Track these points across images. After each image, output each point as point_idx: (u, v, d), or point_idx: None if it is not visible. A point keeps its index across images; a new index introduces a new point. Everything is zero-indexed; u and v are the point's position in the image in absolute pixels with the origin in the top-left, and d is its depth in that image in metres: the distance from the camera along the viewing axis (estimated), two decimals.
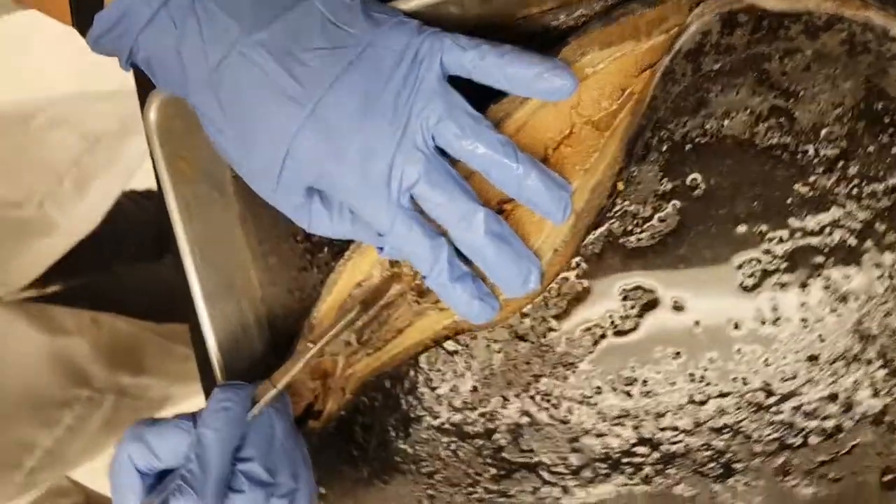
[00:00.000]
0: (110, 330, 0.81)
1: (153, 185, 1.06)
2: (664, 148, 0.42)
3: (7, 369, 0.71)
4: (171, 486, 0.36)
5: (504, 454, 0.48)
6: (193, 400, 0.93)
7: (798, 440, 0.44)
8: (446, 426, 0.49)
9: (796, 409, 0.43)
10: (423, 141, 0.36)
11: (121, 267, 0.95)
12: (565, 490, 0.47)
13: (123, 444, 0.38)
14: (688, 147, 0.42)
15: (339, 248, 0.48)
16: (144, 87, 0.45)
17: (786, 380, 0.43)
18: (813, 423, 0.43)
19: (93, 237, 0.81)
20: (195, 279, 0.44)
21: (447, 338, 0.45)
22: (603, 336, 0.45)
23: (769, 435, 0.44)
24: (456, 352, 0.48)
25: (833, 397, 0.43)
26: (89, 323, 0.79)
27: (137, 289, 0.94)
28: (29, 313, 0.76)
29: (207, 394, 0.54)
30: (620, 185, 0.41)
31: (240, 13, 0.35)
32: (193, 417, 0.39)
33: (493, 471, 0.49)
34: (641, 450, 0.46)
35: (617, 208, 0.43)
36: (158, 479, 0.38)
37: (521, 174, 0.36)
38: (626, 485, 0.46)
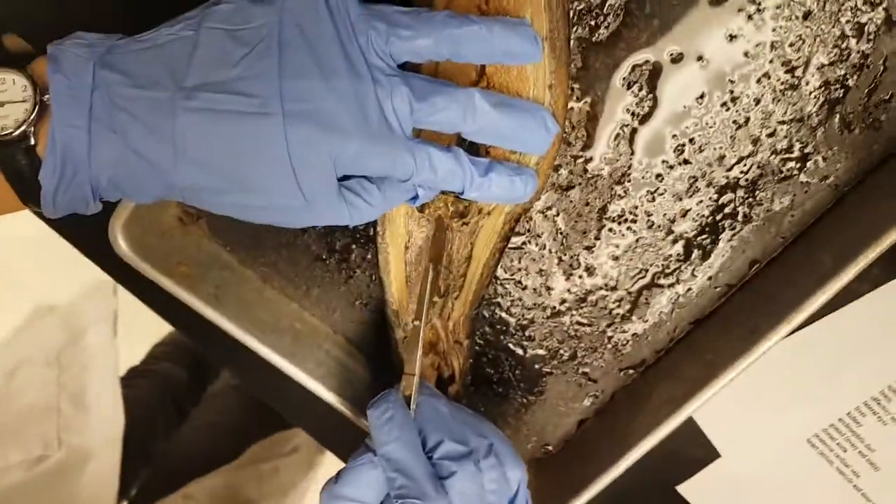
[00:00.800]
0: (203, 493, 0.81)
1: (133, 362, 1.05)
2: None
3: None
4: None
5: (620, 290, 0.48)
6: (310, 497, 0.94)
7: (840, 91, 0.44)
8: (558, 308, 0.48)
9: (821, 66, 0.44)
10: (387, 66, 0.34)
11: (164, 444, 0.95)
12: (686, 281, 0.48)
13: None
14: None
15: (365, 238, 0.46)
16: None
17: (799, 49, 0.43)
18: (843, 69, 0.44)
19: (125, 438, 0.79)
20: (271, 353, 0.42)
21: (511, 231, 0.44)
22: (633, 131, 0.44)
23: (817, 104, 0.44)
24: (524, 243, 0.47)
25: (843, 36, 0.43)
26: (182, 500, 0.78)
27: (192, 447, 0.92)
28: None
29: (338, 452, 0.52)
30: None
31: (157, 80, 0.33)
32: (367, 447, 0.39)
33: (620, 311, 0.48)
34: (726, 198, 0.46)
35: (572, 15, 0.41)
36: None
37: (486, 31, 0.35)
38: (733, 236, 0.47)
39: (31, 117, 0.32)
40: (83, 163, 0.33)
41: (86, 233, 0.46)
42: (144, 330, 1.10)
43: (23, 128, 0.32)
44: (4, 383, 0.79)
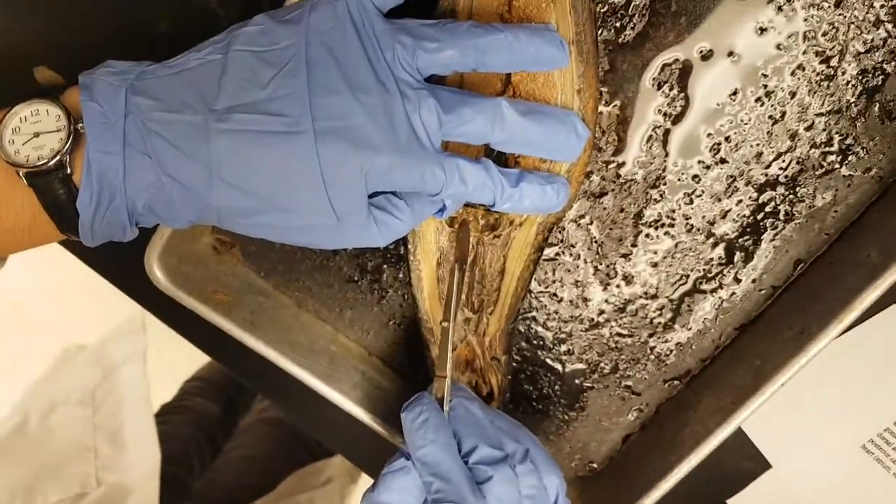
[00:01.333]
0: None
1: (165, 399, 1.06)
2: None
3: None
4: None
5: (661, 298, 0.46)
6: None
7: (878, 78, 0.43)
8: (597, 320, 0.47)
9: (857, 54, 0.42)
10: (414, 79, 0.34)
11: (199, 479, 0.95)
12: (729, 285, 0.46)
13: None
14: None
15: (396, 258, 0.45)
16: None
17: (832, 39, 0.42)
18: (880, 55, 0.42)
19: (161, 474, 0.79)
20: (308, 376, 0.41)
21: (545, 241, 0.42)
22: (666, 133, 0.43)
23: (855, 93, 0.43)
24: (557, 254, 0.45)
25: (878, 22, 0.42)
26: None
27: (227, 480, 0.92)
28: None
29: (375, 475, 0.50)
30: None
31: (189, 103, 0.32)
32: (402, 452, 0.38)
33: (662, 319, 0.47)
34: (767, 196, 0.44)
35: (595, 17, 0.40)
36: None
37: (512, 39, 0.34)
38: (776, 236, 0.45)
39: (66, 146, 0.32)
40: (119, 188, 0.33)
41: (120, 267, 0.46)
42: (173, 367, 1.10)
43: (58, 157, 0.32)
44: (40, 424, 0.80)
